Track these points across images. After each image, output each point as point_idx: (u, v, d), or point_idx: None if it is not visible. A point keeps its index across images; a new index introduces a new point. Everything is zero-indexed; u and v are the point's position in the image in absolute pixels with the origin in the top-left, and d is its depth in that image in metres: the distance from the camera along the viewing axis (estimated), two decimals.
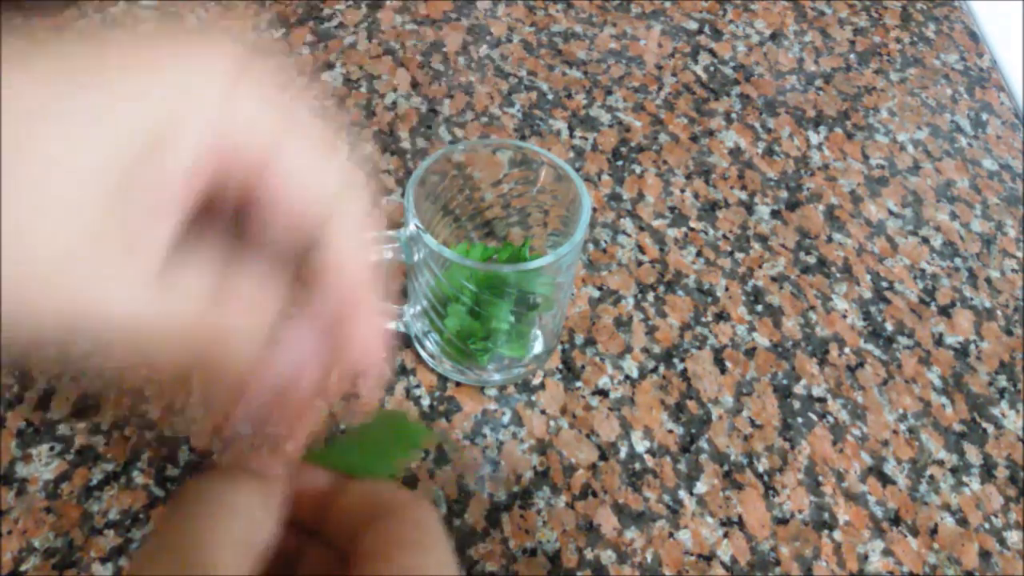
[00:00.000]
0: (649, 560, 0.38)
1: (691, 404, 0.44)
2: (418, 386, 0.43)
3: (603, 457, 0.41)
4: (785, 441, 0.43)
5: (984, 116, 0.60)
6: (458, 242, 0.44)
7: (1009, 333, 0.48)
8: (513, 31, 0.61)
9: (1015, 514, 0.41)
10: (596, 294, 0.47)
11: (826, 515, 0.40)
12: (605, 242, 0.50)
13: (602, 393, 0.43)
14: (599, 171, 0.53)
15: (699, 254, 0.50)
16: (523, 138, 0.55)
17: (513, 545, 0.38)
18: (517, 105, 0.56)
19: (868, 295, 0.49)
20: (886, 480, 0.42)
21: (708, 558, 0.39)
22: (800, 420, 0.44)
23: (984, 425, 0.45)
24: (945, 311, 0.49)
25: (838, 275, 0.50)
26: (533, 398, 0.43)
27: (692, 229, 0.51)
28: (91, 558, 0.36)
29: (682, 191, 0.53)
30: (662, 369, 0.45)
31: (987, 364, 0.47)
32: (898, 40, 0.65)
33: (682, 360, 0.45)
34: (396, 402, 0.42)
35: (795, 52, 0.63)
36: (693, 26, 0.64)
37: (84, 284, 0.20)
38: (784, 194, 0.54)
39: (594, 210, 0.51)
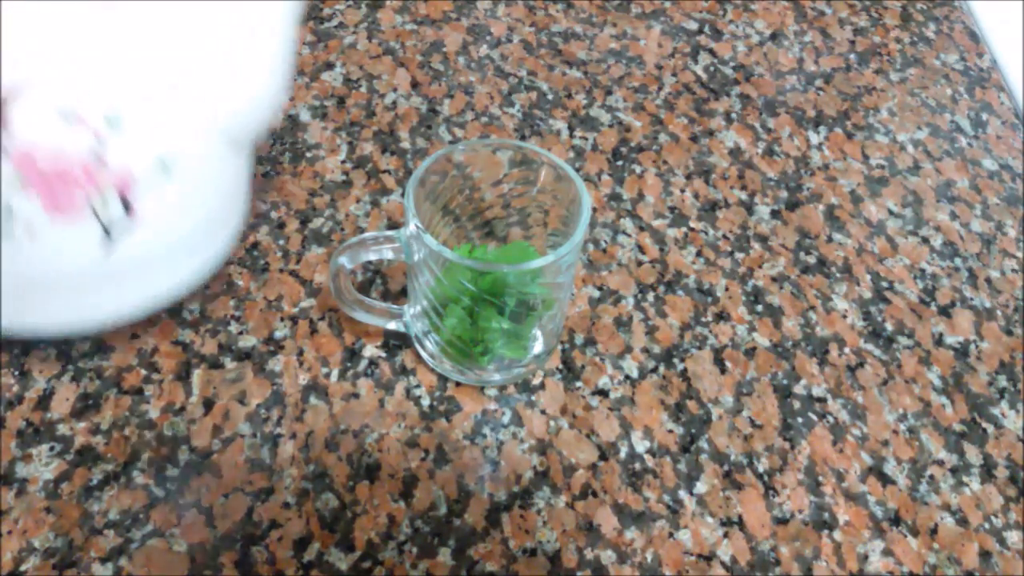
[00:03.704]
0: (649, 560, 0.38)
1: (691, 404, 0.44)
2: (418, 386, 0.43)
3: (603, 457, 0.41)
4: (785, 441, 0.43)
5: (984, 116, 0.60)
6: (458, 242, 0.44)
7: (1009, 333, 0.48)
8: (513, 31, 0.61)
9: (1015, 514, 0.41)
10: (596, 294, 0.47)
11: (826, 515, 0.40)
12: (605, 242, 0.50)
13: (602, 393, 0.43)
14: (599, 171, 0.53)
15: (699, 254, 0.50)
16: (523, 138, 0.55)
17: (513, 545, 0.38)
18: (517, 105, 0.56)
19: (868, 295, 0.49)
20: (886, 480, 0.42)
21: (708, 558, 0.39)
22: (800, 420, 0.44)
23: (984, 425, 0.45)
24: (945, 311, 0.49)
25: (838, 275, 0.50)
26: (533, 398, 0.43)
27: (692, 229, 0.51)
28: (91, 558, 0.36)
29: (682, 191, 0.53)
30: (662, 369, 0.45)
31: (987, 364, 0.47)
32: (898, 40, 0.65)
33: (682, 360, 0.45)
34: (396, 402, 0.42)
35: (795, 52, 0.63)
36: (693, 26, 0.64)
37: None
38: (784, 194, 0.54)
39: (594, 210, 0.51)
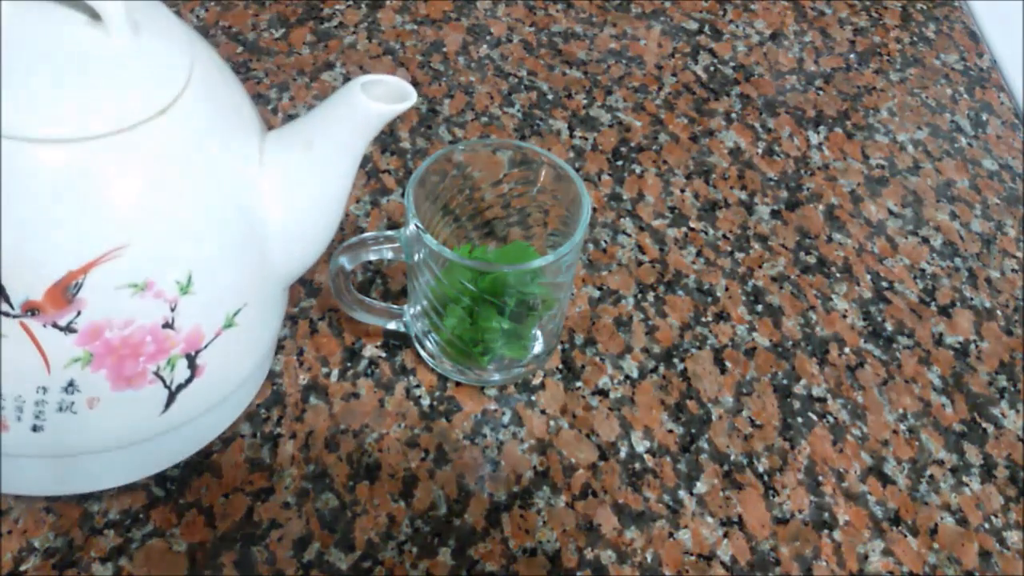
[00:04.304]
0: (649, 560, 0.38)
1: (691, 404, 0.44)
2: (418, 386, 0.43)
3: (603, 457, 0.41)
4: (785, 441, 0.43)
5: (984, 116, 0.60)
6: (458, 242, 0.44)
7: (1009, 333, 0.48)
8: (513, 31, 0.61)
9: (1015, 514, 0.41)
10: (596, 294, 0.47)
11: (826, 515, 0.40)
12: (605, 242, 0.50)
13: (602, 393, 0.43)
14: (599, 171, 0.53)
15: (699, 254, 0.50)
16: (523, 138, 0.55)
17: (513, 545, 0.38)
18: (517, 105, 0.56)
19: (868, 295, 0.49)
20: (886, 480, 0.42)
21: (708, 558, 0.39)
22: (800, 420, 0.44)
23: (984, 425, 0.45)
24: (945, 311, 0.49)
25: (838, 275, 0.50)
26: (533, 398, 0.43)
27: (692, 229, 0.51)
28: (91, 558, 0.36)
29: (682, 191, 0.53)
30: (662, 369, 0.45)
31: (987, 364, 0.47)
32: (898, 40, 0.65)
33: (682, 360, 0.45)
34: (396, 402, 0.42)
35: (795, 52, 0.63)
36: (693, 26, 0.64)
37: None
38: (784, 194, 0.54)
39: (594, 210, 0.51)
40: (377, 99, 0.34)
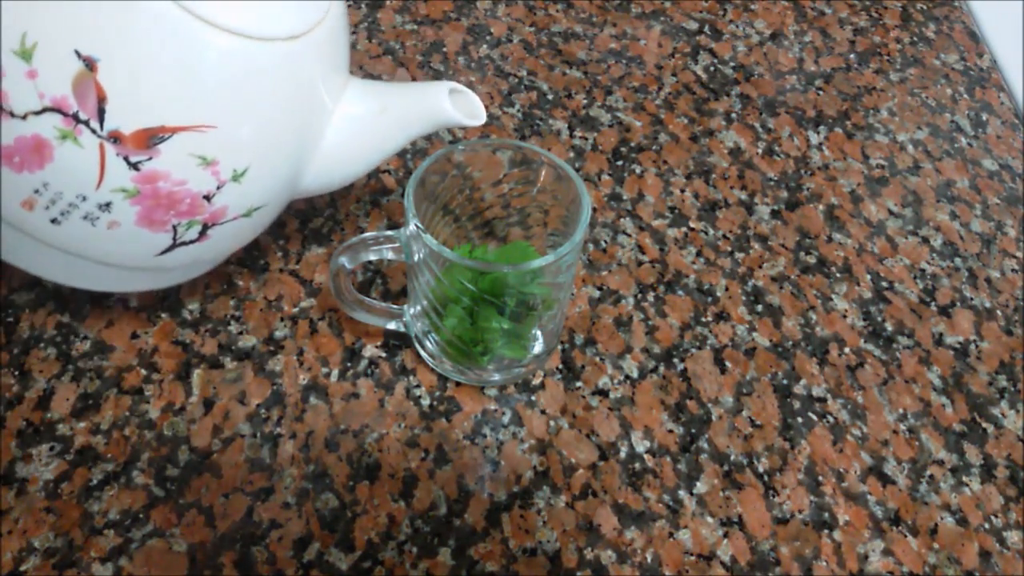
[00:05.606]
0: (649, 560, 0.38)
1: (691, 404, 0.44)
2: (418, 386, 0.43)
3: (603, 457, 0.41)
4: (785, 441, 0.43)
5: (984, 116, 0.60)
6: (458, 242, 0.44)
7: (1009, 333, 0.48)
8: (513, 31, 0.61)
9: (1015, 514, 0.41)
10: (596, 294, 0.47)
11: (826, 515, 0.40)
12: (605, 242, 0.50)
13: (602, 393, 0.44)
14: (599, 171, 0.53)
15: (699, 254, 0.50)
16: (523, 138, 0.55)
17: (513, 545, 0.38)
18: (517, 105, 0.56)
19: (868, 295, 0.49)
20: (886, 480, 0.42)
21: (708, 558, 0.39)
22: (800, 420, 0.44)
23: (984, 425, 0.45)
24: (945, 311, 0.49)
25: (838, 275, 0.50)
26: (533, 398, 0.43)
27: (692, 229, 0.51)
28: (91, 558, 0.36)
29: (682, 191, 0.53)
30: (662, 369, 0.45)
31: (987, 364, 0.47)
32: (898, 40, 0.65)
33: (682, 360, 0.45)
34: (396, 402, 0.42)
35: (795, 52, 0.63)
36: (693, 26, 0.64)
37: None
38: (784, 194, 0.54)
39: (594, 210, 0.51)
40: (454, 106, 0.40)
